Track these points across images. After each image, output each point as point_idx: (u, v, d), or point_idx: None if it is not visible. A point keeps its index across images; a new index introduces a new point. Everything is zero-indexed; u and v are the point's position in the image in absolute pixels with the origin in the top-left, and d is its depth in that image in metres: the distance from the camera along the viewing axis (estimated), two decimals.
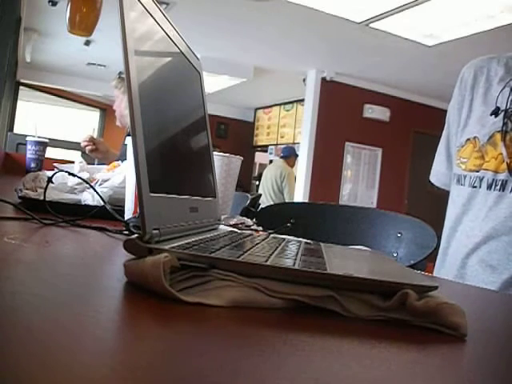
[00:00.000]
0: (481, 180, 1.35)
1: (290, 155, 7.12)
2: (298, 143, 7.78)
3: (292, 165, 7.14)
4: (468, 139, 1.41)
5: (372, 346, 0.43)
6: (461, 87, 1.50)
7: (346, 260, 0.70)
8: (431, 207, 7.86)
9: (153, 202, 0.54)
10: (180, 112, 0.81)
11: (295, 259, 0.57)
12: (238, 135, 10.52)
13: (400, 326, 0.47)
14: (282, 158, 7.17)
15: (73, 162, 1.82)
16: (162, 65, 0.74)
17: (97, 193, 1.01)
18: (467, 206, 1.39)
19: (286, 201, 7.14)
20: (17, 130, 8.49)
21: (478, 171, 1.36)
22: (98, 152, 3.08)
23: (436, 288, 0.49)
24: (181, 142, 0.79)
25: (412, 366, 0.39)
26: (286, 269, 0.49)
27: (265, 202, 6.50)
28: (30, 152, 2.72)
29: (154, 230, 0.52)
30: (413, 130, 7.90)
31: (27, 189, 1.19)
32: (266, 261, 0.52)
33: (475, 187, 1.37)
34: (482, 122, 1.38)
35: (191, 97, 0.90)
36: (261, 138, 10.08)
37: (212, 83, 7.73)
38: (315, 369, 0.34)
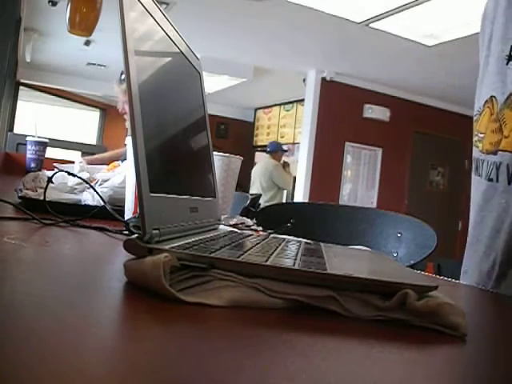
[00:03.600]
0: (498, 168, 0.89)
1: (276, 150, 7.11)
2: (298, 143, 7.79)
3: (278, 159, 7.12)
4: (486, 101, 0.95)
5: (372, 346, 0.43)
6: (482, 24, 1.05)
7: (345, 260, 0.70)
8: (431, 207, 7.88)
9: (153, 202, 0.54)
10: (180, 112, 0.81)
11: (295, 259, 0.57)
12: (238, 135, 10.53)
13: (400, 326, 0.47)
14: (268, 152, 7.17)
15: (73, 162, 1.82)
16: (162, 65, 0.74)
17: (97, 193, 1.01)
18: (484, 210, 0.95)
19: (284, 191, 7.17)
20: (17, 129, 8.49)
21: (495, 153, 0.90)
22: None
23: (436, 288, 0.49)
24: (181, 141, 0.79)
25: (412, 365, 0.39)
26: (286, 269, 0.49)
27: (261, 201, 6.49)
28: (29, 152, 2.72)
29: (154, 230, 0.52)
30: (413, 129, 7.91)
31: (27, 189, 1.19)
32: (266, 261, 0.52)
33: (491, 180, 0.91)
34: (501, 71, 0.92)
35: (191, 97, 0.90)
36: (261, 138, 10.08)
37: (212, 83, 7.73)
38: (315, 369, 0.34)
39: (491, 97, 0.93)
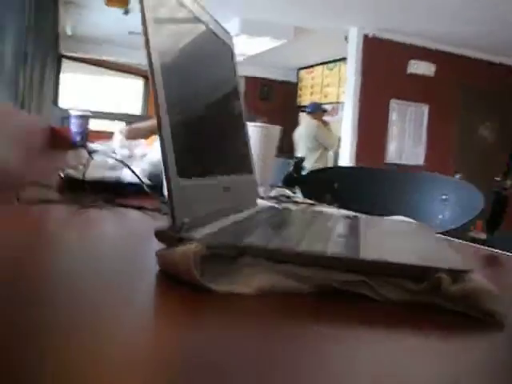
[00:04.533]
0: None
1: (315, 110, 7.01)
2: (343, 102, 7.69)
3: (319, 119, 7.02)
4: None
5: (407, 333, 0.42)
6: None
7: (382, 239, 0.68)
8: (481, 164, 7.70)
9: (182, 188, 0.53)
10: (209, 87, 0.79)
11: (328, 241, 0.56)
12: (282, 96, 10.47)
13: (435, 311, 0.46)
14: (308, 113, 7.08)
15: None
16: (186, 37, 0.73)
17: (133, 172, 1.02)
18: None
19: (329, 152, 7.16)
20: (61, 103, 8.60)
21: None
22: None
23: (471, 272, 0.48)
24: (211, 120, 0.77)
25: (450, 357, 0.37)
26: (316, 256, 0.49)
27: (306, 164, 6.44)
28: (74, 126, 2.77)
29: (185, 217, 0.52)
30: (460, 84, 7.69)
31: (69, 168, 1.21)
32: (297, 245, 0.51)
33: None
34: None
35: (221, 71, 0.89)
36: (304, 99, 10.00)
37: (253, 45, 7.66)
38: (349, 358, 0.34)
39: None
